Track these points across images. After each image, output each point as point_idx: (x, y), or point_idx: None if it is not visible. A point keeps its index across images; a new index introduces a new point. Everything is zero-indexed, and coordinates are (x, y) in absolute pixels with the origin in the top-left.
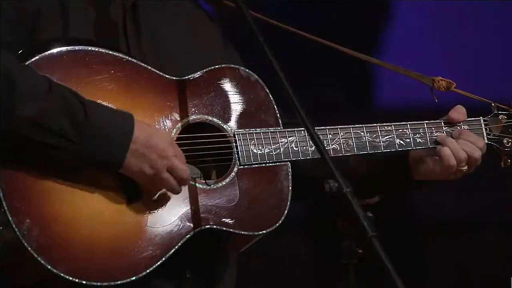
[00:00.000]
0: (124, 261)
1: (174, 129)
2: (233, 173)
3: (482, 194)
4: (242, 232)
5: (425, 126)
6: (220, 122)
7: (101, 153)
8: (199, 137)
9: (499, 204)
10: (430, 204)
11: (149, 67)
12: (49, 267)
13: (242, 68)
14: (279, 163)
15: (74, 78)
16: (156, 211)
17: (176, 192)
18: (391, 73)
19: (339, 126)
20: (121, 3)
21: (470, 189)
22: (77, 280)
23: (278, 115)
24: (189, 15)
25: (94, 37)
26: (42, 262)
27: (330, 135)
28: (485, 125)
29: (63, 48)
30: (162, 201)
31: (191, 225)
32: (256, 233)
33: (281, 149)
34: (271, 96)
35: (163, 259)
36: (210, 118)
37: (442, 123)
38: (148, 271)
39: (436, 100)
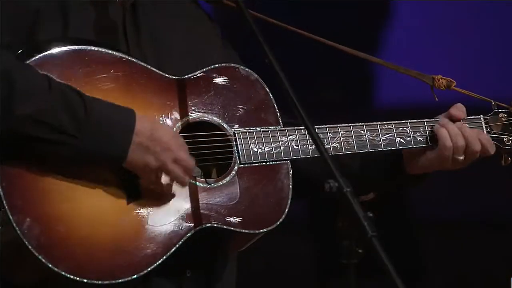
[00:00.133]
0: (125, 259)
1: (174, 128)
2: (234, 172)
3: (482, 193)
4: (243, 231)
5: (425, 124)
6: (220, 121)
7: (103, 147)
8: (199, 136)
9: (499, 204)
10: (430, 204)
11: (149, 67)
12: (50, 265)
13: (242, 67)
14: (279, 162)
15: (73, 78)
16: (156, 210)
17: (184, 183)
18: (391, 72)
19: (339, 125)
20: (120, 3)
21: (470, 189)
22: (78, 278)
23: (278, 114)
24: (189, 15)
25: (94, 37)
26: (43, 260)
27: (330, 134)
28: (486, 123)
29: (63, 48)
30: (164, 198)
31: (192, 223)
32: (256, 232)
33: (282, 148)
34: (271, 95)
35: (164, 257)
36: (210, 117)
37: None
38: (149, 269)
39: (437, 99)
